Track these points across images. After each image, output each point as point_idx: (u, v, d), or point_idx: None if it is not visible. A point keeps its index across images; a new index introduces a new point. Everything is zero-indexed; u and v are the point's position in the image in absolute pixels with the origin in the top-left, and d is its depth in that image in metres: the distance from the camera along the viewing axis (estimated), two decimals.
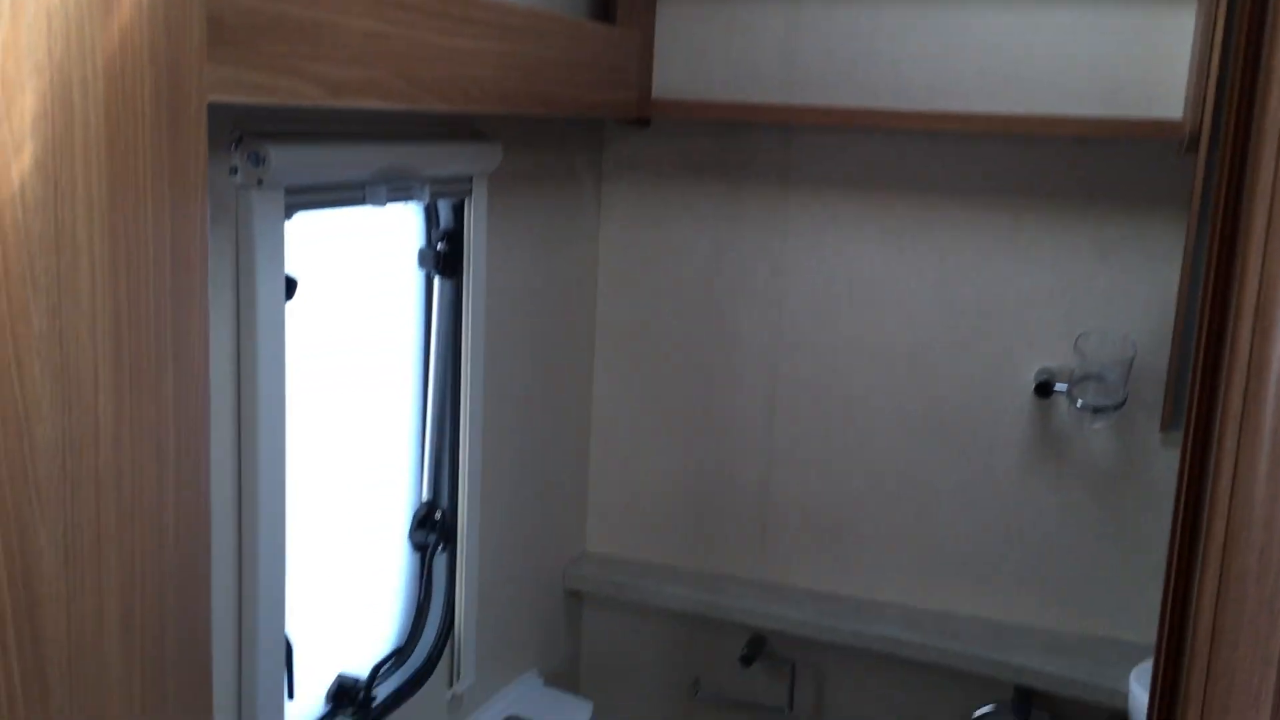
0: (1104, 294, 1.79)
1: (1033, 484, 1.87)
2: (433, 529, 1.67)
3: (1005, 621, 1.91)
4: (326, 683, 1.51)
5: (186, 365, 0.76)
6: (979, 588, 1.92)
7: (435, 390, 1.65)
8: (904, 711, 1.97)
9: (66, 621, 0.63)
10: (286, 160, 1.20)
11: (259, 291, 1.21)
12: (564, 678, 2.11)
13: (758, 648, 2.02)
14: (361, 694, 1.52)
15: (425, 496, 1.67)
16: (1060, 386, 1.81)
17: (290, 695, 1.37)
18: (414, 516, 1.66)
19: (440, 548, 1.67)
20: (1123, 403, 1.78)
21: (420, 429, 1.65)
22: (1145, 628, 1.84)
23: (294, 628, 1.38)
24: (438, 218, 1.60)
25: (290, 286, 1.29)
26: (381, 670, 1.58)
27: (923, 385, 1.91)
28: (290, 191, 1.25)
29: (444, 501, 1.68)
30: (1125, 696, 1.67)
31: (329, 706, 1.51)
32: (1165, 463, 1.80)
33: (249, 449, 1.22)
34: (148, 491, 0.76)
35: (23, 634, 0.60)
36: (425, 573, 1.67)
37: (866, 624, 1.91)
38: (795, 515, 2.02)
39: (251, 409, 1.22)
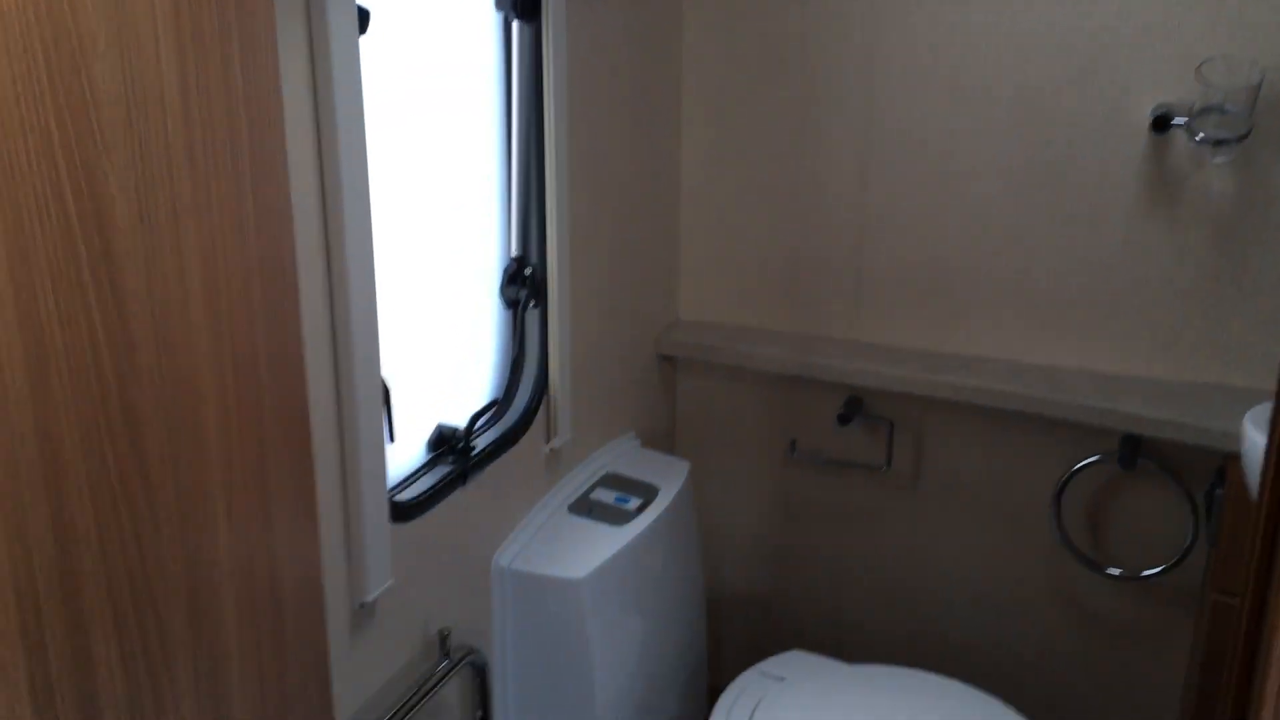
0: (1229, 19, 1.66)
1: (1146, 228, 1.78)
2: (523, 285, 1.65)
3: (1113, 372, 1.86)
4: (426, 432, 1.53)
5: (252, 54, 0.73)
6: (1086, 340, 1.86)
7: (519, 143, 1.60)
8: (1004, 466, 1.95)
9: (146, 278, 0.62)
10: None
11: (330, 20, 1.17)
12: (660, 441, 2.13)
13: (855, 407, 2.00)
14: (461, 443, 1.54)
15: (514, 252, 1.65)
16: (1179, 120, 1.70)
17: (391, 438, 1.39)
18: (504, 272, 1.65)
19: (531, 304, 1.66)
20: (1246, 135, 1.66)
21: (505, 182, 1.62)
22: (1260, 373, 1.77)
23: (390, 373, 1.39)
24: None
25: (363, 17, 1.24)
26: (479, 422, 1.59)
27: (1028, 128, 1.81)
28: None
29: (533, 257, 1.66)
30: (1238, 439, 1.61)
31: (430, 454, 1.54)
32: None
33: (332, 181, 1.20)
34: (223, 177, 0.73)
35: (101, 283, 0.59)
36: (518, 329, 1.67)
37: (967, 377, 1.87)
38: (892, 273, 1.96)
39: (331, 141, 1.19)
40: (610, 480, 1.83)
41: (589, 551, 1.65)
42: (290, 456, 0.82)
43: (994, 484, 1.96)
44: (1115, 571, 1.88)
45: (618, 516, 1.74)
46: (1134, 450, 1.82)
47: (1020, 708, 1.84)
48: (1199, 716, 1.77)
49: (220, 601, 0.74)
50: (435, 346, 1.53)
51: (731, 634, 2.24)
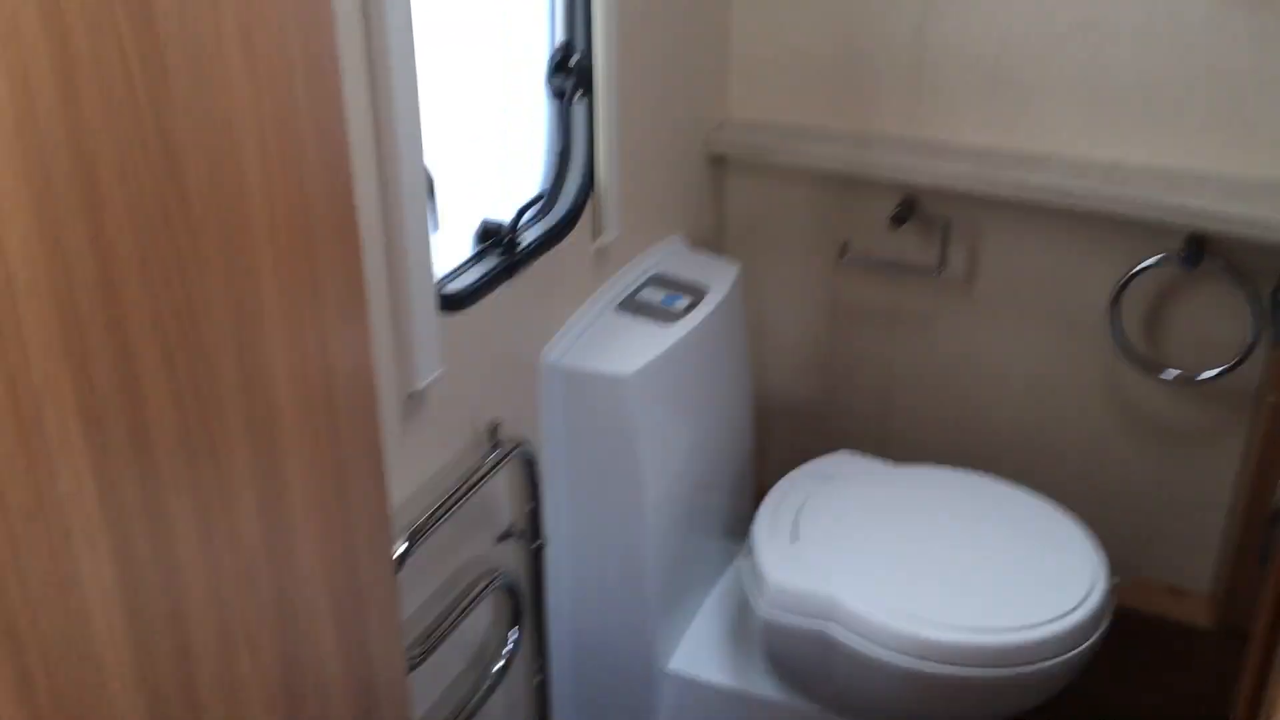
0: None
1: (1227, 12, 1.67)
2: (570, 74, 1.59)
3: (1182, 168, 1.78)
4: (472, 226, 1.50)
5: None
6: (1155, 134, 1.78)
7: None
8: (1063, 268, 1.90)
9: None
10: None
11: None
12: (709, 243, 2.09)
13: (910, 207, 1.94)
14: (507, 236, 1.51)
15: (560, 39, 1.59)
16: None
17: (435, 226, 1.36)
18: (550, 61, 1.58)
19: (579, 94, 1.60)
20: None
21: None
22: None
23: (434, 164, 1.35)
24: None
25: None
26: (526, 215, 1.55)
27: None
28: None
29: (579, 44, 1.59)
30: None
31: (476, 249, 1.51)
32: None
33: None
34: None
35: None
36: (565, 120, 1.61)
37: (1028, 173, 1.80)
38: (953, 63, 1.87)
39: None
40: (658, 280, 1.80)
41: (637, 349, 1.64)
42: (336, 235, 0.80)
43: (1051, 286, 1.91)
44: (1172, 374, 1.84)
45: (665, 316, 1.72)
46: (1198, 249, 1.76)
47: (1069, 509, 1.83)
48: (1249, 519, 1.76)
49: (270, 375, 0.72)
50: (480, 137, 1.49)
51: (779, 437, 2.24)
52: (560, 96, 1.60)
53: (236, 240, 0.67)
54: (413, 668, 1.35)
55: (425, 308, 1.32)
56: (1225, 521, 1.92)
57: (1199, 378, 1.82)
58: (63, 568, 0.52)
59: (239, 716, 0.72)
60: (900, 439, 2.13)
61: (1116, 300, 1.83)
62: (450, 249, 1.46)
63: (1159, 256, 1.79)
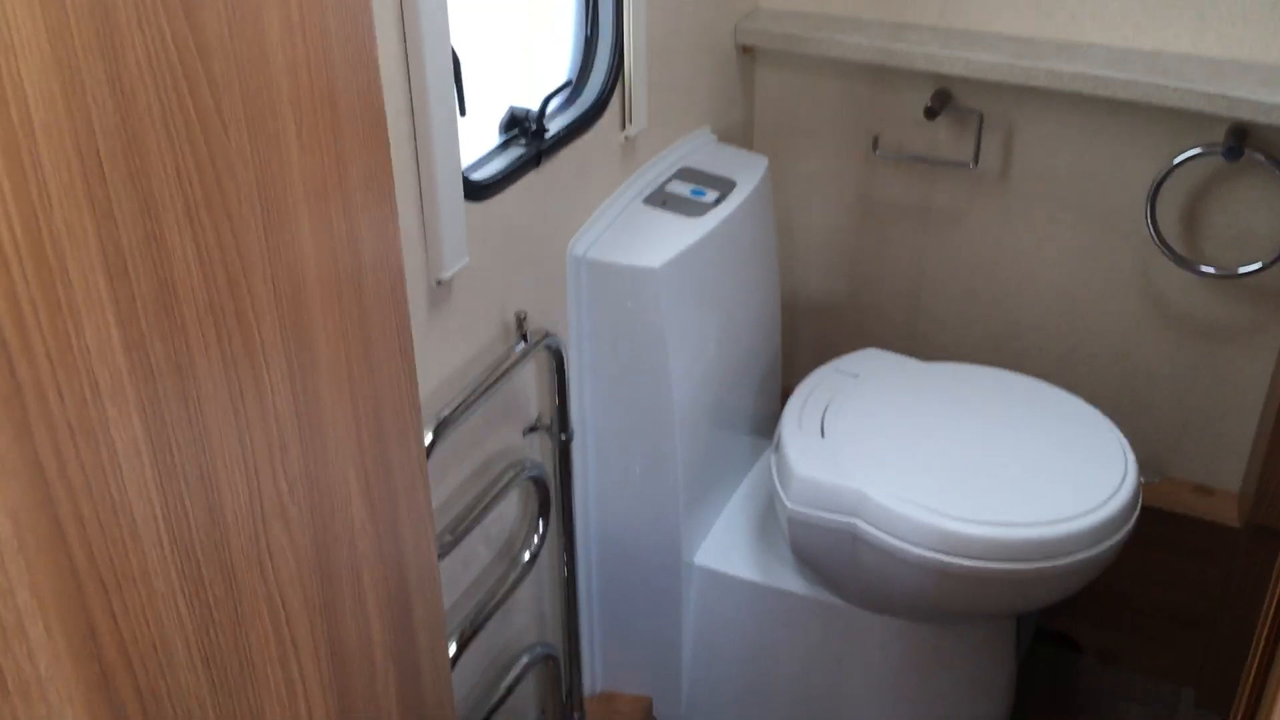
0: None
1: None
2: None
3: (1226, 57, 1.72)
4: (499, 115, 1.47)
5: None
6: (1199, 22, 1.72)
7: None
8: (1100, 161, 1.85)
9: None
10: None
11: None
12: (737, 137, 2.05)
13: (943, 99, 1.89)
14: (534, 125, 1.48)
15: None
16: None
17: (463, 111, 1.33)
18: None
19: None
20: None
21: None
22: None
23: (460, 47, 1.32)
24: None
25: None
26: (552, 103, 1.52)
27: None
28: None
29: None
30: None
31: (503, 138, 1.48)
32: None
33: None
34: None
35: None
36: (593, 5, 1.57)
37: (1066, 63, 1.75)
38: None
39: None
40: (686, 173, 1.77)
41: (664, 242, 1.61)
42: (361, 109, 0.77)
43: (1087, 180, 1.87)
44: (1209, 270, 1.80)
45: (694, 209, 1.69)
46: (1240, 141, 1.71)
47: (1100, 407, 1.81)
48: None
49: (296, 244, 0.70)
50: (506, 22, 1.45)
51: (806, 335, 2.22)
52: None
53: (259, 101, 0.65)
54: (442, 556, 1.36)
55: (451, 194, 1.30)
56: (1258, 420, 1.89)
57: (1238, 273, 1.78)
58: (90, 418, 0.51)
59: (271, 586, 0.72)
60: (929, 337, 2.11)
61: (1154, 195, 1.79)
62: (476, 137, 1.43)
63: (1199, 149, 1.74)
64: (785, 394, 1.85)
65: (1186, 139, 1.75)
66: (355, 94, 0.76)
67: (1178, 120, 1.75)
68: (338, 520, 0.82)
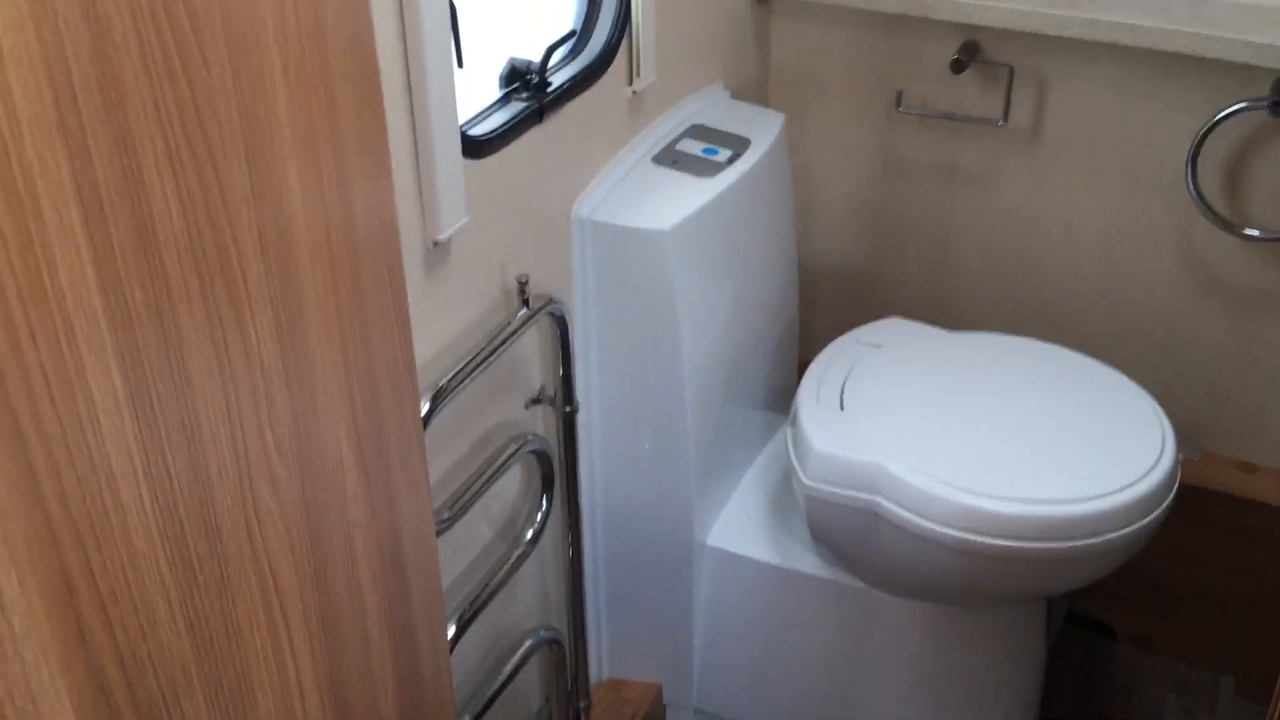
0: None
1: None
2: None
3: (1273, 4, 1.71)
4: (498, 67, 1.47)
5: None
6: None
7: None
8: (1136, 116, 1.84)
9: None
10: None
11: None
12: (752, 92, 2.04)
13: (971, 52, 1.88)
14: (536, 77, 1.48)
15: None
16: None
17: (460, 63, 1.33)
18: None
19: None
20: None
21: None
22: None
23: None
24: None
25: None
26: (556, 54, 1.52)
27: None
28: None
29: None
30: None
31: (504, 91, 1.48)
32: None
33: None
34: None
35: None
36: None
37: (1102, 11, 1.74)
38: None
39: None
40: (697, 131, 1.76)
41: (675, 203, 1.61)
42: (352, 55, 0.77)
43: (1124, 137, 1.86)
44: (1254, 233, 1.79)
45: (705, 168, 1.69)
46: None
47: (1136, 378, 1.81)
48: None
49: (283, 190, 0.70)
50: None
51: (824, 304, 2.22)
52: None
53: (242, 37, 0.65)
54: (440, 533, 1.36)
55: (449, 150, 1.29)
56: None
57: None
58: (66, 363, 0.52)
59: (258, 550, 0.73)
60: (955, 305, 2.11)
61: (1196, 152, 1.78)
62: (475, 90, 1.43)
63: (1244, 103, 1.73)
64: (802, 366, 1.85)
65: (1230, 92, 1.74)
66: (346, 37, 0.76)
67: (1221, 72, 1.73)
68: (329, 485, 0.82)
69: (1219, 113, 1.74)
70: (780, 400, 1.98)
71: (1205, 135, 1.76)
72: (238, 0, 0.64)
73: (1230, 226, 1.81)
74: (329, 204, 0.76)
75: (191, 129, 0.60)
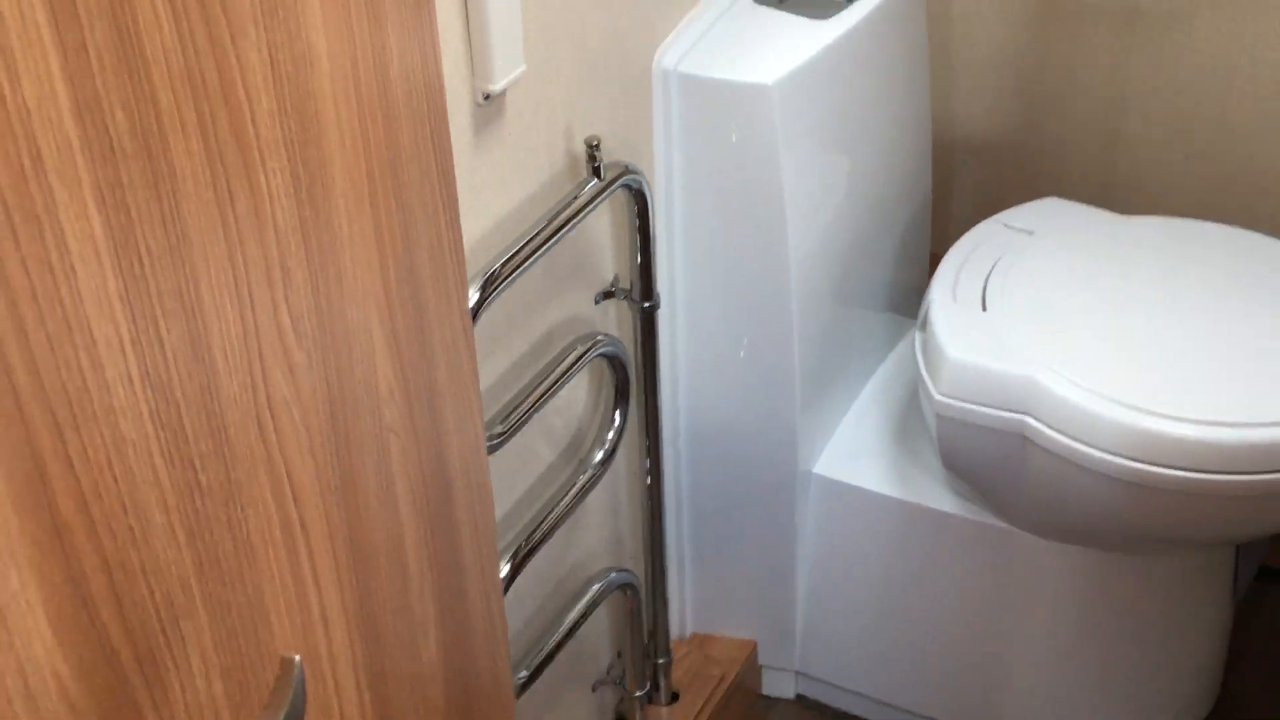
0: None
1: None
2: None
3: None
4: None
5: None
6: None
7: None
8: None
9: None
10: None
11: None
12: None
13: None
14: None
15: None
16: None
17: None
18: None
19: None
20: None
21: None
22: None
23: None
24: None
25: None
26: None
27: None
28: None
29: None
30: None
31: None
32: None
33: None
34: None
35: None
36: None
37: None
38: None
39: None
40: None
41: (781, 52, 1.58)
42: None
43: None
44: None
45: (820, 7, 1.65)
46: None
47: None
48: None
49: (301, 19, 0.69)
50: None
51: (965, 182, 2.19)
52: None
53: None
54: (492, 450, 1.36)
55: None
56: None
57: None
58: (32, 196, 0.51)
59: (272, 450, 0.72)
60: (1129, 183, 2.06)
61: None
62: None
63: None
64: (935, 260, 1.82)
65: None
66: None
67: None
68: (358, 380, 0.81)
69: None
70: (907, 301, 1.96)
71: None
72: None
73: None
74: (357, 37, 0.75)
75: None
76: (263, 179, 0.68)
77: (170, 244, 0.61)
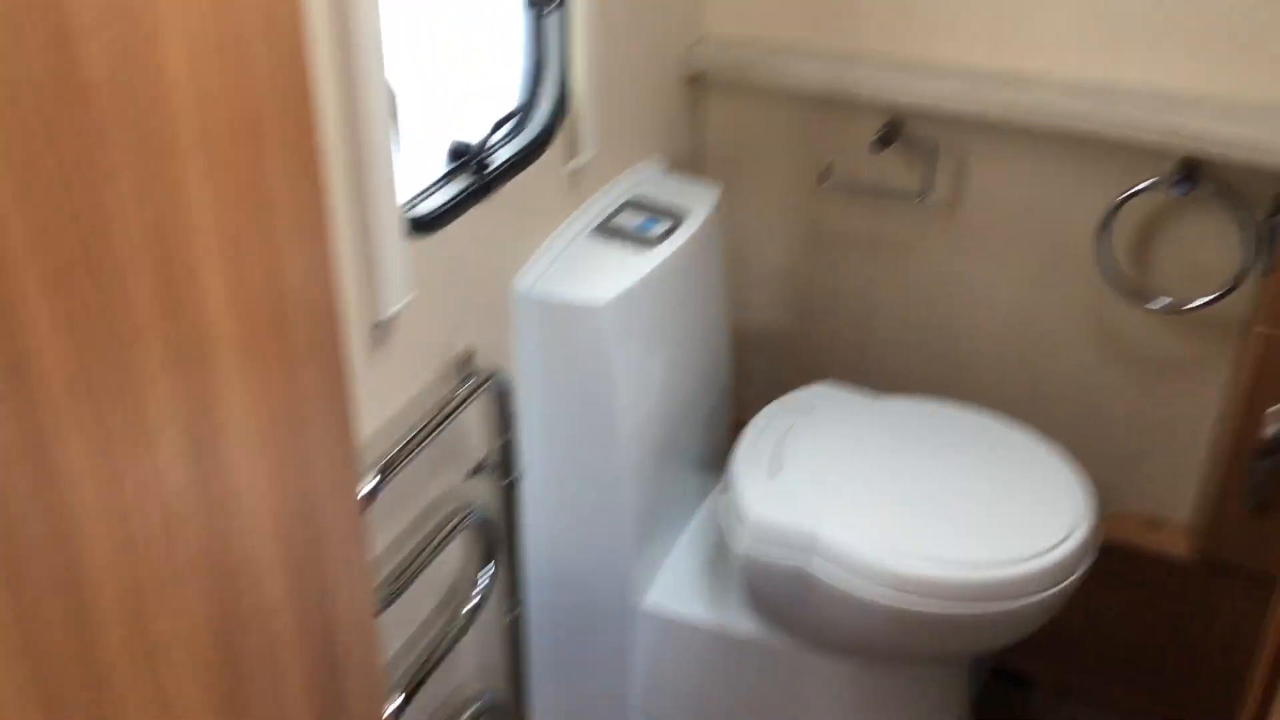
0: None
1: None
2: None
3: (1179, 89, 1.68)
4: (443, 147, 1.39)
5: None
6: (1151, 53, 1.68)
7: None
8: (1052, 193, 1.80)
9: None
10: None
11: None
12: (687, 166, 1.98)
13: (895, 129, 1.84)
14: (479, 155, 1.40)
15: None
16: None
17: (399, 146, 1.24)
18: None
19: (555, 3, 1.48)
20: None
21: None
22: None
23: (401, 79, 1.23)
24: None
25: None
26: (497, 134, 1.44)
27: None
28: None
29: None
30: None
31: (447, 168, 1.40)
32: None
33: None
34: None
35: None
36: (539, 32, 1.49)
37: (1018, 93, 1.70)
38: None
39: None
40: (635, 204, 1.70)
41: (613, 276, 1.54)
42: (290, 143, 0.69)
43: (1039, 212, 1.82)
44: (1159, 304, 1.76)
45: (642, 241, 1.62)
46: (1192, 173, 1.67)
47: (1052, 438, 1.76)
48: (1234, 450, 1.70)
49: (201, 297, 0.62)
50: (450, 52, 1.37)
51: (756, 367, 2.16)
52: (535, 6, 1.48)
53: (154, 144, 0.57)
54: (382, 609, 1.26)
55: (391, 230, 1.22)
56: (1208, 453, 1.85)
57: (1187, 306, 1.74)
58: None
59: (159, 684, 0.63)
60: (881, 369, 2.05)
61: (1106, 226, 1.75)
62: (419, 170, 1.35)
63: (1151, 181, 1.70)
64: (735, 427, 1.78)
65: (1138, 170, 1.71)
66: (283, 127, 0.68)
67: (1130, 152, 1.71)
68: (249, 597, 0.72)
69: (1127, 190, 1.72)
70: (715, 462, 1.91)
71: (1115, 211, 1.74)
72: (150, 105, 0.56)
73: (1137, 298, 1.78)
74: (259, 305, 0.68)
75: (89, 244, 0.52)
76: (159, 445, 0.60)
77: (49, 527, 0.52)
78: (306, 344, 0.74)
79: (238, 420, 0.67)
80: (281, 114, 0.67)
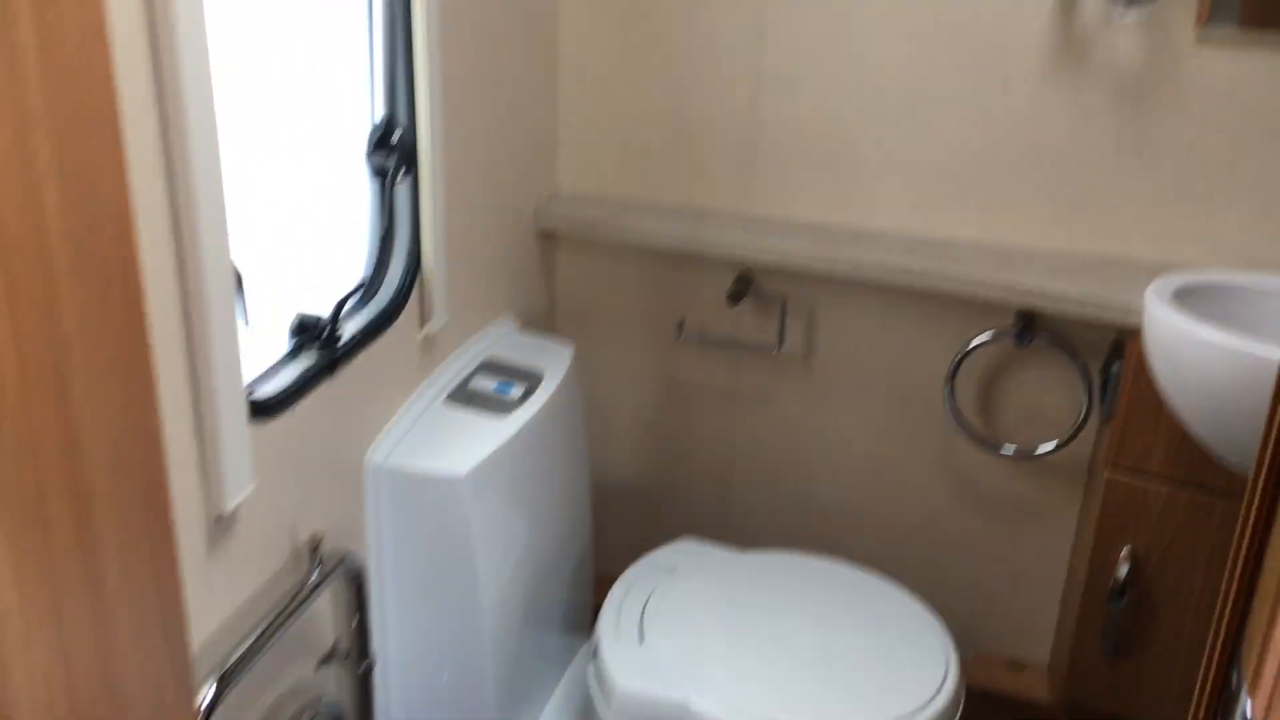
0: None
1: (1049, 94, 1.67)
2: (391, 151, 1.44)
3: (1012, 244, 1.76)
4: (287, 321, 1.33)
5: None
6: (985, 211, 1.76)
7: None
8: (898, 344, 1.85)
9: None
10: None
11: None
12: (540, 324, 1.96)
13: (745, 285, 1.87)
14: (326, 330, 1.35)
15: (380, 114, 1.44)
16: None
17: (245, 323, 1.19)
18: (370, 137, 1.43)
19: (402, 172, 1.46)
20: None
21: (369, 38, 1.40)
22: (1163, 244, 1.69)
23: (242, 254, 1.18)
24: None
25: None
26: (346, 306, 1.39)
27: None
28: None
29: (401, 120, 1.45)
30: (1138, 315, 1.54)
31: (293, 345, 1.34)
32: (1199, 65, 1.59)
33: (163, 20, 0.98)
34: None
35: None
36: (387, 201, 1.46)
37: (863, 251, 1.75)
38: (786, 141, 1.81)
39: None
40: (490, 367, 1.66)
41: (470, 445, 1.49)
42: (118, 337, 0.64)
43: (887, 363, 1.87)
44: (1009, 450, 1.81)
45: (499, 406, 1.58)
46: (1029, 325, 1.74)
47: (910, 586, 1.77)
48: (1086, 592, 1.74)
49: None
50: (295, 223, 1.32)
51: (618, 521, 2.12)
52: (382, 176, 1.45)
53: None
54: None
55: (234, 419, 1.14)
56: (1062, 595, 1.89)
57: (1035, 453, 1.79)
58: None
59: None
60: (741, 521, 2.05)
61: (952, 376, 1.80)
62: (261, 347, 1.29)
63: (991, 333, 1.76)
64: (600, 582, 1.74)
65: (979, 323, 1.77)
66: (110, 313, 0.62)
67: (970, 305, 1.77)
68: None
69: (970, 342, 1.77)
70: (580, 620, 1.85)
71: (960, 361, 1.79)
72: None
73: (986, 444, 1.82)
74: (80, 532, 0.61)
75: None
76: None
77: None
78: (122, 546, 0.68)
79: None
80: (108, 297, 0.62)
